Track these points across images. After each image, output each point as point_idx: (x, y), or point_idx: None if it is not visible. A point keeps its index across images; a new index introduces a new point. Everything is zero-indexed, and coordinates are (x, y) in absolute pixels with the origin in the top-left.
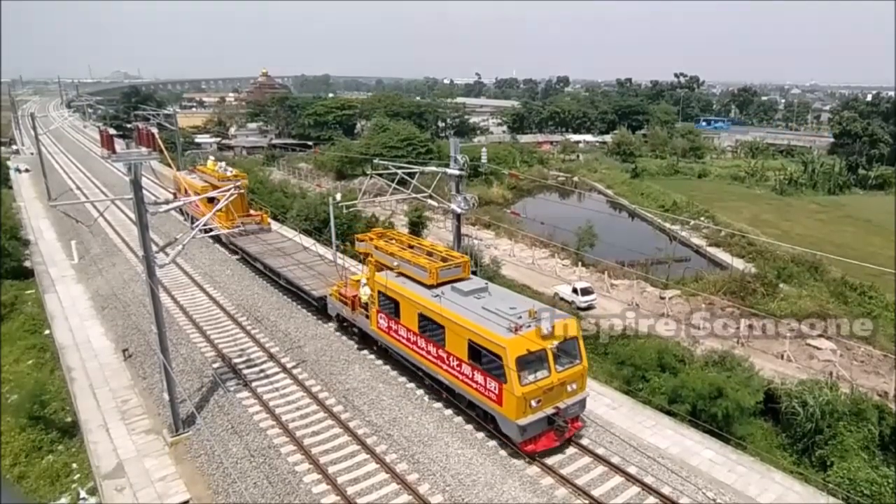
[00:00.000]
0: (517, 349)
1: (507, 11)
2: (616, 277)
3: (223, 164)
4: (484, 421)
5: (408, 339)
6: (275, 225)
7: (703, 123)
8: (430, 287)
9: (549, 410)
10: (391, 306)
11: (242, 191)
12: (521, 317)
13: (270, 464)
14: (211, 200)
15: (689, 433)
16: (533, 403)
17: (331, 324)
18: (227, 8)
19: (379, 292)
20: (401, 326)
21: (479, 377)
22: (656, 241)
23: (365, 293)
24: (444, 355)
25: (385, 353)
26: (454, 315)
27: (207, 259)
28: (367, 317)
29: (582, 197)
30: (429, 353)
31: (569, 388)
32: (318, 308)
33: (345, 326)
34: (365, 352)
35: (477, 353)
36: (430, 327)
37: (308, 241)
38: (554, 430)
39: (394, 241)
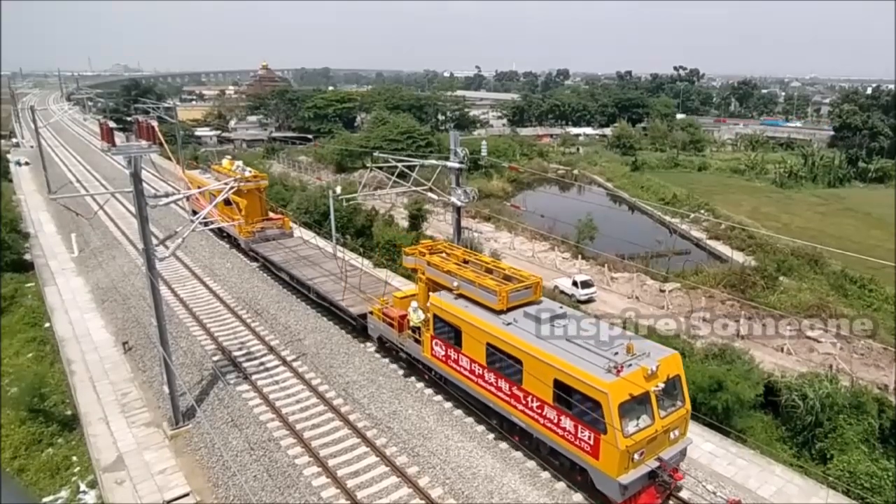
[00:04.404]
0: (620, 394)
1: (508, 5)
2: (616, 270)
3: (240, 163)
4: (567, 473)
5: (472, 372)
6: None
7: None
8: (498, 313)
9: (653, 463)
10: (450, 333)
11: (261, 190)
12: (617, 352)
13: (270, 457)
14: (228, 204)
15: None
16: (636, 457)
17: (332, 318)
18: (228, 2)
19: (434, 315)
20: (463, 356)
21: (567, 423)
22: (656, 234)
23: (418, 317)
24: (521, 394)
25: (435, 384)
26: (534, 349)
27: (207, 252)
28: (419, 341)
29: (582, 190)
30: (500, 389)
31: (671, 436)
32: (358, 329)
33: (387, 348)
34: (365, 345)
35: (566, 396)
36: (502, 360)
37: (308, 234)
38: (655, 485)
39: (448, 256)
